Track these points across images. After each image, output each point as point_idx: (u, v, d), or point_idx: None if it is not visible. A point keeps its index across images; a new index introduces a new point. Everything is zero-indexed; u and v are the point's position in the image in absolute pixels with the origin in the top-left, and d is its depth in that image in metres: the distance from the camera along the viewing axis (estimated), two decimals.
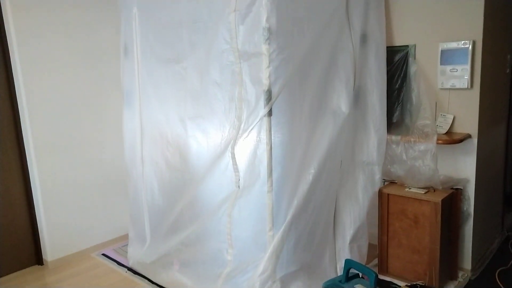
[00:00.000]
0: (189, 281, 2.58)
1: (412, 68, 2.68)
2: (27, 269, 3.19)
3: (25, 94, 2.94)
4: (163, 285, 2.76)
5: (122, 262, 3.20)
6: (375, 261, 2.84)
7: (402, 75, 2.73)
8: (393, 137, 2.68)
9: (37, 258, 3.24)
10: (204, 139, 2.51)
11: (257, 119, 2.20)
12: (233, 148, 2.31)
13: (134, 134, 2.93)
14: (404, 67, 2.71)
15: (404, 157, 2.62)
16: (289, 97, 2.27)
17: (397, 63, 2.73)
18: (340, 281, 2.24)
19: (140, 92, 2.85)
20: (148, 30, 2.71)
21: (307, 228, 2.42)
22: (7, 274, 3.10)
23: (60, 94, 3.13)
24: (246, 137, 2.27)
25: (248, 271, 2.32)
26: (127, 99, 2.96)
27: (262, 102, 2.18)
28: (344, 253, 2.61)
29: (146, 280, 2.88)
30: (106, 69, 3.35)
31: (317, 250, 2.53)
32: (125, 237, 3.58)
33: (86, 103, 3.28)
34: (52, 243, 3.19)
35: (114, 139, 3.44)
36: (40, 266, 3.23)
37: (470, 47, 2.47)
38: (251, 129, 2.24)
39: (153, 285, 2.81)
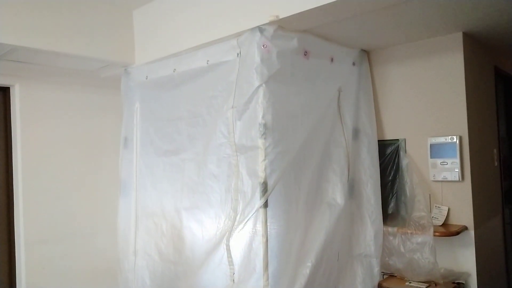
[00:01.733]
0: None
1: (404, 161, 2.76)
2: None
3: (21, 180, 2.96)
4: None
5: None
6: None
7: (394, 167, 2.80)
8: (390, 229, 2.66)
9: None
10: (199, 230, 2.48)
11: (253, 211, 2.21)
12: (228, 240, 2.28)
13: (128, 224, 2.90)
14: (396, 159, 2.80)
15: (402, 249, 2.58)
16: (284, 189, 2.30)
17: (389, 155, 2.82)
18: None
19: (137, 182, 2.89)
20: (149, 124, 2.83)
21: None
22: None
23: (56, 182, 3.15)
24: (242, 228, 2.25)
25: None
26: (124, 188, 2.99)
27: (258, 193, 2.20)
28: None
29: None
30: (105, 157, 3.42)
31: None
32: None
33: (81, 191, 3.29)
34: None
35: (107, 229, 3.38)
36: None
37: (457, 142, 2.58)
38: (247, 221, 2.23)
39: None
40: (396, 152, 2.81)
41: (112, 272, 3.30)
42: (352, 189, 2.66)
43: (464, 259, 2.58)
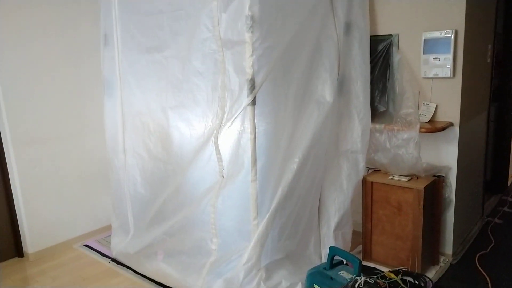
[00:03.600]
0: (174, 271, 2.57)
1: (396, 57, 2.68)
2: (7, 262, 3.12)
3: (1, 85, 2.85)
4: (147, 275, 2.75)
5: (105, 253, 3.17)
6: (359, 248, 2.88)
7: (385, 64, 2.73)
8: (377, 126, 2.69)
9: (17, 250, 3.18)
10: (186, 129, 2.47)
11: (241, 109, 2.18)
12: (216, 138, 2.29)
13: (115, 124, 2.87)
14: (388, 56, 2.71)
15: (388, 145, 2.64)
16: (273, 86, 2.25)
17: (381, 52, 2.73)
18: (324, 268, 2.26)
19: (121, 82, 2.79)
20: (129, 19, 2.64)
21: (292, 216, 2.42)
22: None
23: (39, 85, 3.04)
24: (230, 126, 2.24)
25: (233, 260, 2.32)
26: (108, 88, 2.90)
27: (245, 91, 2.15)
28: (328, 240, 2.64)
29: (130, 271, 2.86)
30: (86, 59, 3.28)
31: (302, 238, 2.54)
32: (108, 227, 3.54)
33: (65, 93, 3.20)
34: (32, 234, 3.13)
35: (95, 129, 3.37)
36: (20, 258, 3.17)
37: (452, 37, 2.48)
38: (235, 119, 2.22)
39: (137, 275, 2.80)
40: (389, 48, 2.71)
41: (103, 171, 3.39)
42: (342, 87, 2.62)
43: (446, 154, 2.66)
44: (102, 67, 2.92)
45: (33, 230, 3.13)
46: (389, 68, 2.72)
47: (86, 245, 3.34)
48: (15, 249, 3.18)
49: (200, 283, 2.39)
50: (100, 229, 3.56)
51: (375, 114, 2.77)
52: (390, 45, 2.71)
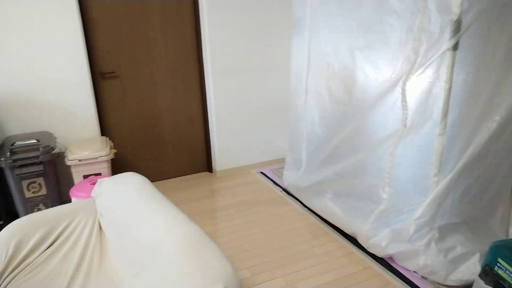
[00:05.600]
0: (340, 211, 2.64)
1: None
2: (200, 174, 3.72)
3: (208, 29, 3.21)
4: (314, 210, 2.90)
5: (278, 182, 3.45)
6: None
7: None
8: None
9: (208, 167, 3.75)
10: (372, 72, 2.38)
11: (438, 53, 1.97)
12: (404, 84, 2.15)
13: (301, 63, 2.96)
14: None
15: None
16: (482, 29, 1.94)
17: None
18: None
19: (310, 21, 2.81)
20: None
21: (479, 180, 2.17)
22: (186, 174, 3.69)
23: (233, 25, 3.32)
24: (422, 73, 2.06)
25: (404, 212, 2.25)
26: (297, 27, 2.97)
27: (447, 33, 1.92)
28: None
29: (299, 202, 3.07)
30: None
31: (487, 206, 2.27)
32: (281, 160, 3.82)
33: (256, 33, 3.42)
34: (220, 155, 3.62)
35: (280, 66, 3.56)
36: (210, 173, 3.73)
37: None
38: (429, 64, 2.02)
39: (305, 208, 2.99)
40: None
41: (283, 108, 3.60)
42: None
43: None
44: (293, 6, 2.99)
45: (221, 152, 3.61)
46: None
47: (261, 172, 3.70)
48: (207, 165, 3.75)
49: (366, 228, 2.41)
50: (274, 160, 3.87)
51: None
52: None
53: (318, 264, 2.34)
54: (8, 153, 2.51)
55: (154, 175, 3.56)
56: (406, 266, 2.27)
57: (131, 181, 1.96)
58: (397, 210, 2.28)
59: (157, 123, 3.43)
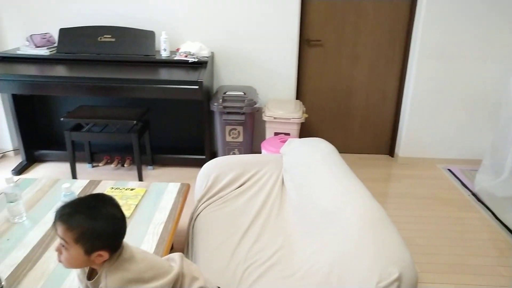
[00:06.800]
0: None
1: None
2: (380, 156, 3.62)
3: (425, 5, 2.98)
4: (508, 225, 2.52)
5: (467, 184, 3.10)
6: None
7: None
8: None
9: (391, 150, 3.60)
10: None
11: None
12: None
13: None
14: None
15: None
16: None
17: None
18: None
19: None
20: None
21: None
22: (366, 153, 3.64)
23: (453, 6, 3.00)
24: None
25: None
26: None
27: None
28: None
29: (489, 212, 2.71)
30: None
31: None
32: (474, 162, 3.41)
33: (479, 16, 3.01)
34: (406, 141, 3.43)
35: (503, 59, 3.08)
36: (391, 157, 3.59)
37: None
38: None
39: (496, 220, 2.61)
40: None
41: (495, 102, 3.15)
42: None
43: None
44: None
45: (408, 137, 3.41)
46: None
47: (448, 169, 3.37)
48: (390, 148, 3.61)
49: None
50: (466, 160, 3.46)
51: None
52: None
53: (502, 287, 2.05)
54: (221, 100, 2.91)
55: (336, 147, 3.62)
56: None
57: (320, 146, 2.05)
58: None
59: (349, 96, 3.44)
